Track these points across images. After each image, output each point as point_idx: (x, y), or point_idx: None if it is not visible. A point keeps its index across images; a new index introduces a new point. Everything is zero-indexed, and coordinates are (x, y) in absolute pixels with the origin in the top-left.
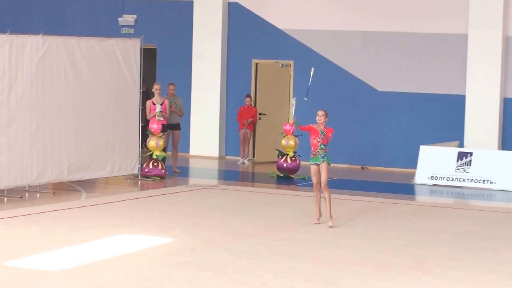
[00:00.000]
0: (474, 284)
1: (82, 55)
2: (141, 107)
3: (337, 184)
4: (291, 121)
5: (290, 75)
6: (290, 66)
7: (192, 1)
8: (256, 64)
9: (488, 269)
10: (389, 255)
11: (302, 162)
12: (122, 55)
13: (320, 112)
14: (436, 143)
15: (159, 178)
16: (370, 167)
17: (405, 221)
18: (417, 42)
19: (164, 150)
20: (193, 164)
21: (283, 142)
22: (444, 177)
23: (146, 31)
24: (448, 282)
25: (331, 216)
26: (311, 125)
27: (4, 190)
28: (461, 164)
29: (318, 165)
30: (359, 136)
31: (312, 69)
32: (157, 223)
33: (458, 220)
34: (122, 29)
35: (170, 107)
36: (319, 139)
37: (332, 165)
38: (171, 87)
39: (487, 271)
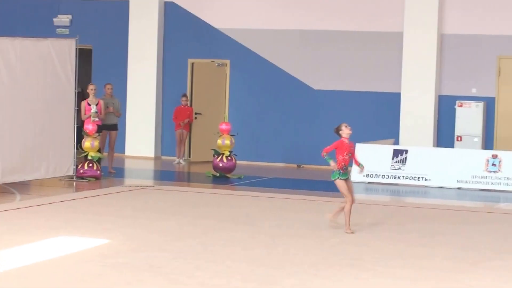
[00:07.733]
0: (410, 282)
1: (16, 55)
2: (76, 108)
3: (274, 183)
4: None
5: (226, 74)
6: (226, 65)
7: (128, 1)
8: (192, 63)
9: (426, 265)
10: (326, 253)
11: (238, 162)
12: (57, 56)
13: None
14: (371, 141)
15: (94, 179)
16: (306, 166)
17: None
18: (353, 40)
19: (99, 151)
20: (128, 164)
21: (219, 141)
22: (379, 175)
23: (82, 31)
24: (384, 278)
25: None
26: (336, 142)
27: None
28: (396, 162)
29: (347, 179)
30: (295, 135)
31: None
32: (92, 225)
33: (393, 218)
34: (57, 29)
35: (107, 107)
36: (350, 154)
37: (267, 164)
38: (108, 87)
39: (423, 267)
